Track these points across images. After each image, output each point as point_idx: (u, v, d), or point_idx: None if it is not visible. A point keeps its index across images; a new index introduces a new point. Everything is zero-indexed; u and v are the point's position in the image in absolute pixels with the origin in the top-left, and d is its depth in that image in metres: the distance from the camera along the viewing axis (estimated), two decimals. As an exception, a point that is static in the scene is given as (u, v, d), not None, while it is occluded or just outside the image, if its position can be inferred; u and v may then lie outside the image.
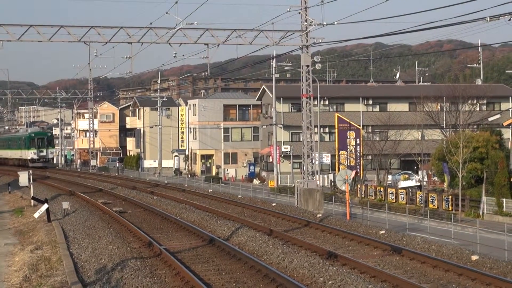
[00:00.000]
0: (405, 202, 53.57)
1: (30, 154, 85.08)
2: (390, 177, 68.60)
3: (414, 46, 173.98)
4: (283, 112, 78.25)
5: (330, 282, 17.46)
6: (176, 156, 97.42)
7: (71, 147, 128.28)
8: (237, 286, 17.59)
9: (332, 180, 63.48)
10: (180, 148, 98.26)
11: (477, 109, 70.16)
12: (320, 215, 32.95)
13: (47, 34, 40.23)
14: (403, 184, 63.43)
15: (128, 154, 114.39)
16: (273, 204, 37.99)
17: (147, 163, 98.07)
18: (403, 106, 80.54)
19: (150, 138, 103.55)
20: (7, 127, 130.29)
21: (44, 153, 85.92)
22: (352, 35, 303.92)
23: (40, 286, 18.19)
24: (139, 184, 54.62)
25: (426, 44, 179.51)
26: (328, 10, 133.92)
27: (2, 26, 39.19)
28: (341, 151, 68.96)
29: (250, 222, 28.08)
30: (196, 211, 32.35)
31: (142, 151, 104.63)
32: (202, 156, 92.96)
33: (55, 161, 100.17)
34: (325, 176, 70.07)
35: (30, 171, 42.81)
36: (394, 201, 55.03)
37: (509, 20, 46.20)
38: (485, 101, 75.48)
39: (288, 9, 40.99)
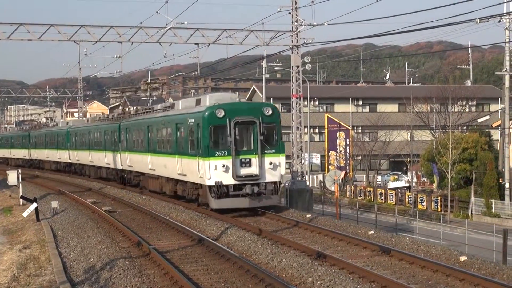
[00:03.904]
0: (394, 203, 53.76)
1: (211, 172, 28.93)
2: (379, 177, 68.85)
3: (404, 47, 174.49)
4: (273, 112, 78.21)
5: (319, 282, 17.49)
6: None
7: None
8: (226, 286, 17.60)
9: (322, 180, 63.61)
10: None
11: (467, 110, 70.50)
12: (309, 215, 32.96)
13: (37, 32, 40.14)
14: (392, 184, 63.66)
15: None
16: (263, 204, 37.93)
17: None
18: (393, 107, 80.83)
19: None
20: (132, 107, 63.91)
21: (253, 169, 29.53)
22: (342, 35, 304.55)
23: (29, 285, 18.15)
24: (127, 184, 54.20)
25: (416, 45, 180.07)
26: (318, 10, 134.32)
27: (-8, 25, 39.11)
28: (330, 152, 69.14)
29: (239, 222, 28.07)
30: (186, 210, 32.32)
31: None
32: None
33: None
34: (315, 176, 70.18)
35: (19, 170, 42.51)
36: (383, 201, 55.21)
37: (499, 21, 46.58)
38: (474, 102, 75.86)
39: (279, 9, 41.06)
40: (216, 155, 28.94)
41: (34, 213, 30.94)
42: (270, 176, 29.62)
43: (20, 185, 40.74)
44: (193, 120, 30.77)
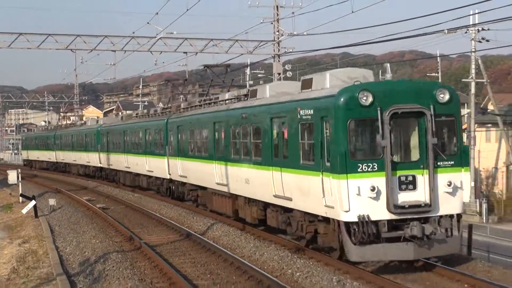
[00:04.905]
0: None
1: (350, 199, 16.06)
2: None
3: (378, 56, 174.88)
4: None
5: (297, 274, 17.57)
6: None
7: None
8: (212, 277, 17.65)
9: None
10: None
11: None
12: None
13: (35, 41, 40.22)
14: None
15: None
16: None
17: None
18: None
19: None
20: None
21: (420, 193, 16.45)
22: (321, 45, 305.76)
23: (27, 277, 18.14)
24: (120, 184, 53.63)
25: (390, 54, 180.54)
26: (298, 21, 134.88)
27: (-7, 34, 39.06)
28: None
29: (225, 218, 28.10)
30: (175, 208, 32.34)
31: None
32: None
33: None
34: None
35: (19, 170, 42.34)
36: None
37: (465, 32, 46.98)
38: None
39: (262, 21, 41.26)
40: (358, 169, 16.24)
41: (33, 210, 30.86)
42: (447, 206, 16.83)
43: (20, 183, 40.61)
44: (311, 112, 17.76)
